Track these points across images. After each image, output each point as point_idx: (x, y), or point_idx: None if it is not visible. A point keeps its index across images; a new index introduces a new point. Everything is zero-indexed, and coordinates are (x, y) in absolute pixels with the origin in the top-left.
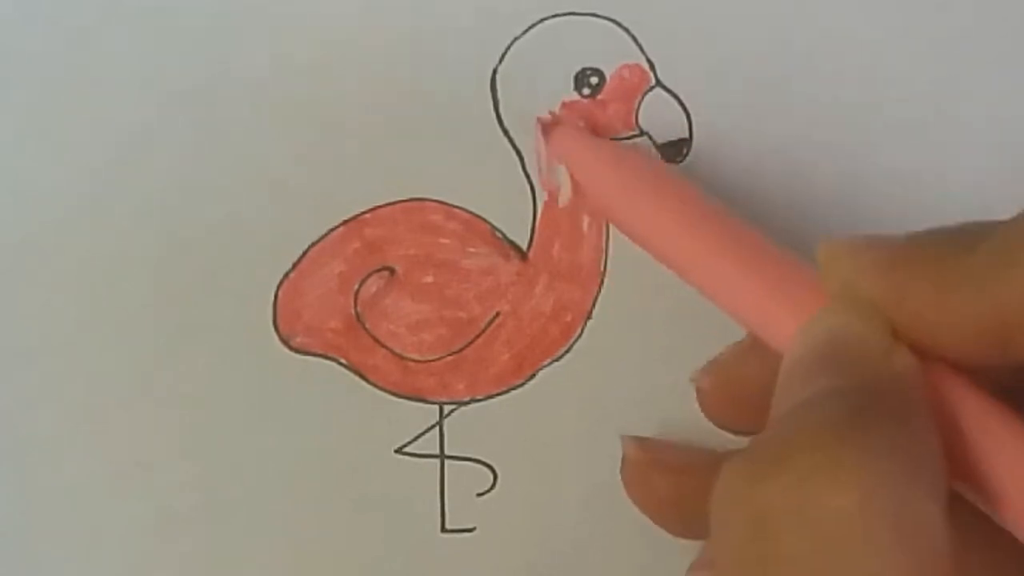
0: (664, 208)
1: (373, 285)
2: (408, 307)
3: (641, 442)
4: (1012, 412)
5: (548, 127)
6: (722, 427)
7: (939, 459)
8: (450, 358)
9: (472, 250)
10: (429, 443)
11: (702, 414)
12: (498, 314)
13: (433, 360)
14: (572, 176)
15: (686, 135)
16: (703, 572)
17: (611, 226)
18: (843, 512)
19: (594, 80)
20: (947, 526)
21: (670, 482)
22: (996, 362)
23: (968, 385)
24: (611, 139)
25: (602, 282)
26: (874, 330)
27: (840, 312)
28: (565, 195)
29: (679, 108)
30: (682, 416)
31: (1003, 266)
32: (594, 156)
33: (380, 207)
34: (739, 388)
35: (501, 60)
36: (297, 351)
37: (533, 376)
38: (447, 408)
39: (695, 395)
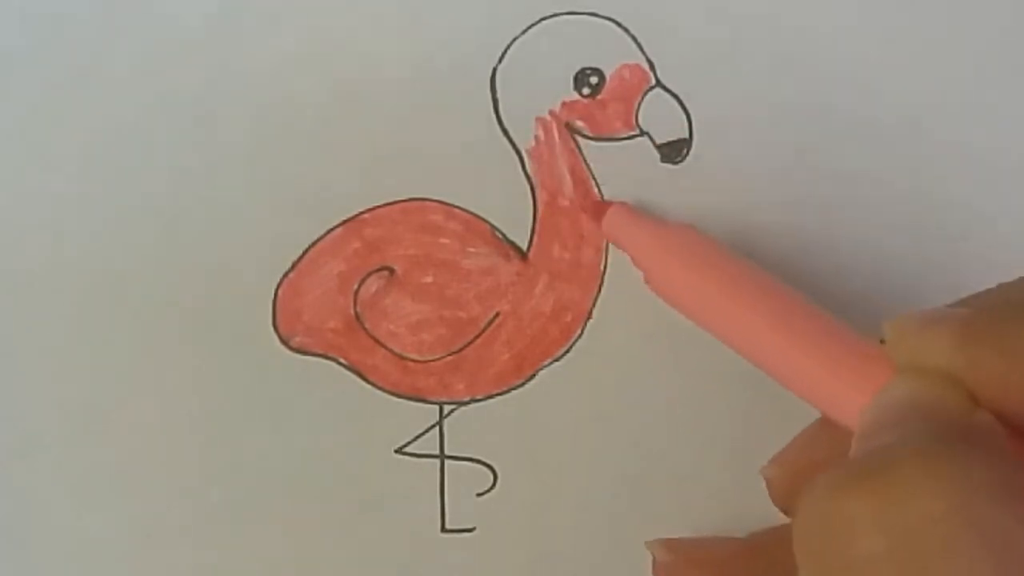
0: (730, 291)
1: (373, 285)
2: (408, 307)
3: (667, 543)
4: None
5: (599, 209)
6: (791, 516)
7: None
8: (450, 358)
9: (472, 250)
10: (429, 443)
11: (704, 425)
12: (498, 314)
13: (433, 360)
14: (632, 259)
15: (686, 135)
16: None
17: None
18: (931, 517)
19: (594, 80)
20: None
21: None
22: None
23: None
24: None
25: (602, 282)
26: (952, 393)
27: (915, 378)
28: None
29: (679, 108)
30: (682, 416)
31: None
32: (651, 240)
33: (380, 207)
34: (808, 475)
35: (501, 59)
36: (297, 351)
37: (533, 376)
38: (447, 408)
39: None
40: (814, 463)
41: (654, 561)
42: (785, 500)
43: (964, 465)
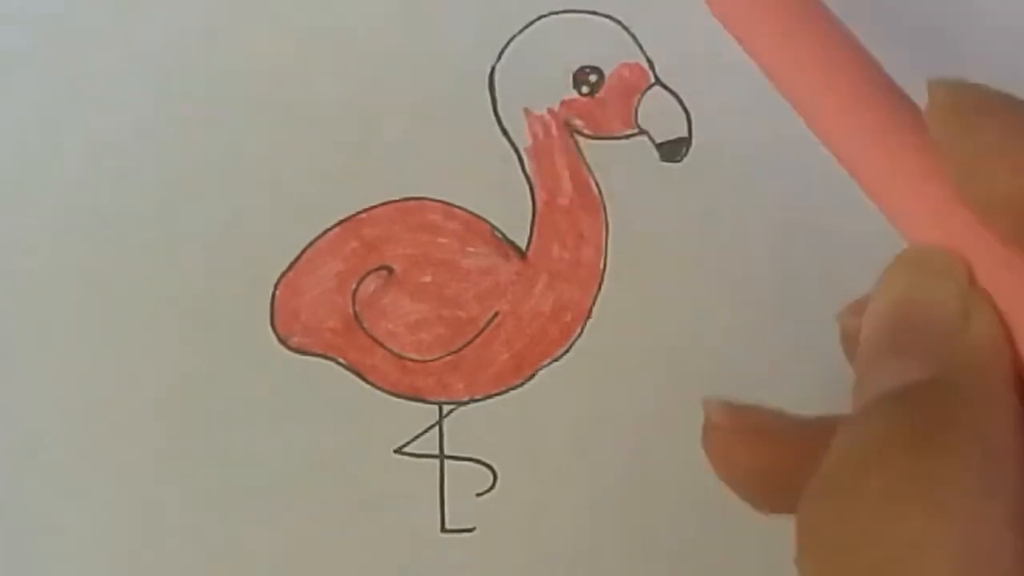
0: (803, 51)
1: (371, 284)
2: (407, 307)
3: (725, 407)
4: None
5: None
6: None
7: (1015, 462)
8: (449, 358)
9: (471, 250)
10: (428, 443)
11: (695, 431)
12: (497, 314)
13: (432, 360)
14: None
15: (685, 134)
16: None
17: (611, 226)
18: (908, 540)
19: (593, 78)
20: (1021, 550)
21: (758, 454)
22: None
23: None
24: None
25: (602, 282)
26: (948, 287)
27: (910, 269)
28: None
29: (679, 107)
30: (682, 416)
31: None
32: None
33: (378, 206)
34: None
35: (499, 58)
36: (295, 351)
37: (532, 376)
38: (446, 408)
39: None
40: None
41: (705, 423)
42: (854, 352)
43: (932, 481)
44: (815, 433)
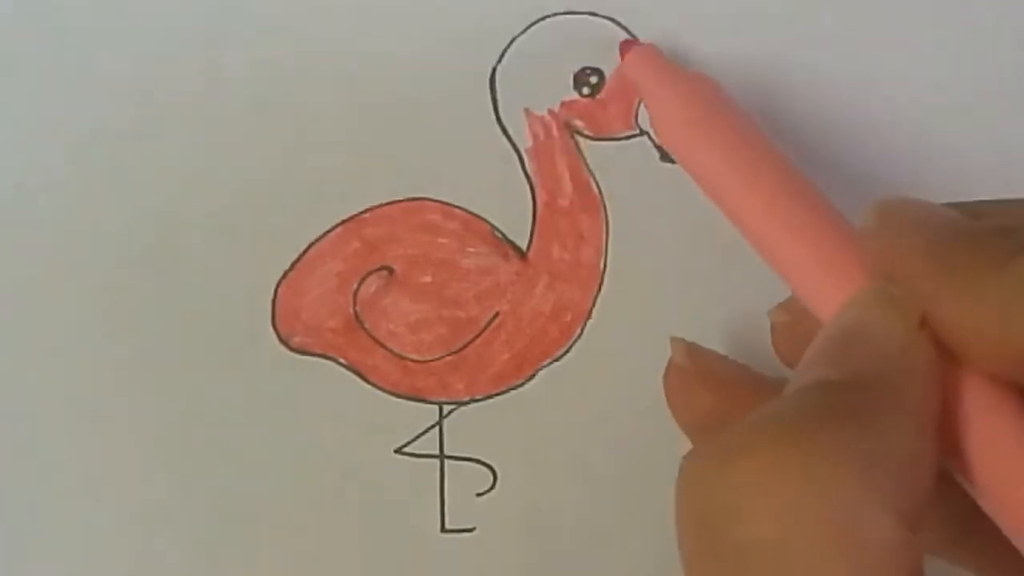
0: (727, 155)
1: (372, 285)
2: (407, 307)
3: (690, 348)
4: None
5: (626, 45)
6: (789, 365)
7: (920, 469)
8: (449, 358)
9: (471, 250)
10: (429, 443)
11: None
12: (497, 314)
13: (432, 360)
14: (644, 103)
15: None
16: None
17: (611, 226)
18: (784, 512)
19: (594, 79)
20: (903, 542)
21: (710, 395)
22: (1007, 377)
23: (984, 383)
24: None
25: (602, 282)
26: (897, 322)
27: (873, 297)
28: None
29: None
30: None
31: None
32: (665, 86)
33: (379, 207)
34: (810, 331)
35: (500, 59)
36: (296, 351)
37: (533, 376)
38: (447, 408)
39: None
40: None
41: (669, 362)
42: (786, 348)
43: (825, 452)
44: (772, 390)
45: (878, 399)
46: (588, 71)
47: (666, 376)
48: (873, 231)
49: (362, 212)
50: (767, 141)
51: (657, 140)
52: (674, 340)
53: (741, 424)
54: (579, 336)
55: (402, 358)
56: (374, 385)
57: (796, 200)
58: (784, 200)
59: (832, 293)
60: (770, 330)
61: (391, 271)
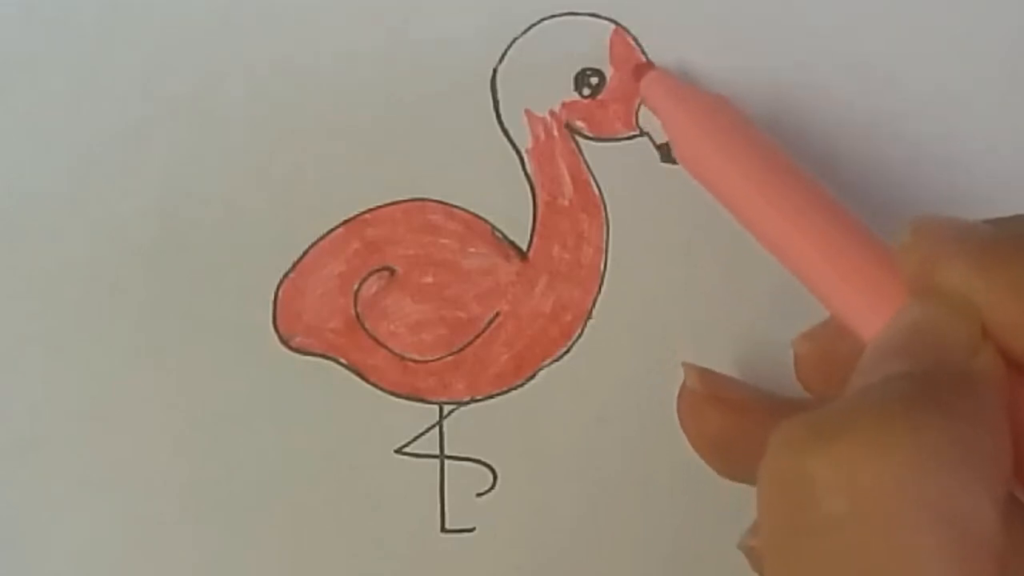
0: (752, 177)
1: (373, 285)
2: (408, 307)
3: (702, 373)
4: None
5: (641, 69)
6: (814, 395)
7: (1003, 458)
8: (450, 358)
9: (472, 250)
10: (429, 443)
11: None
12: (498, 314)
13: (433, 360)
14: (663, 126)
15: None
16: (753, 540)
17: (611, 226)
18: (884, 488)
19: (594, 80)
20: (998, 522)
21: (723, 418)
22: None
23: None
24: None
25: (602, 282)
26: (963, 325)
27: (932, 303)
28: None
29: None
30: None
31: None
32: (685, 108)
33: (380, 207)
34: (835, 359)
35: (501, 60)
36: (297, 351)
37: (533, 376)
38: (447, 408)
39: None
40: (843, 349)
41: (682, 386)
42: (809, 377)
43: (920, 431)
44: (785, 410)
45: (958, 390)
46: (588, 72)
47: (679, 400)
48: (911, 245)
49: (363, 213)
50: (790, 159)
51: (683, 167)
52: (686, 365)
53: (830, 407)
54: (579, 336)
55: (403, 358)
56: (374, 385)
57: (828, 219)
58: (816, 220)
59: (873, 311)
60: (794, 361)
61: (392, 272)
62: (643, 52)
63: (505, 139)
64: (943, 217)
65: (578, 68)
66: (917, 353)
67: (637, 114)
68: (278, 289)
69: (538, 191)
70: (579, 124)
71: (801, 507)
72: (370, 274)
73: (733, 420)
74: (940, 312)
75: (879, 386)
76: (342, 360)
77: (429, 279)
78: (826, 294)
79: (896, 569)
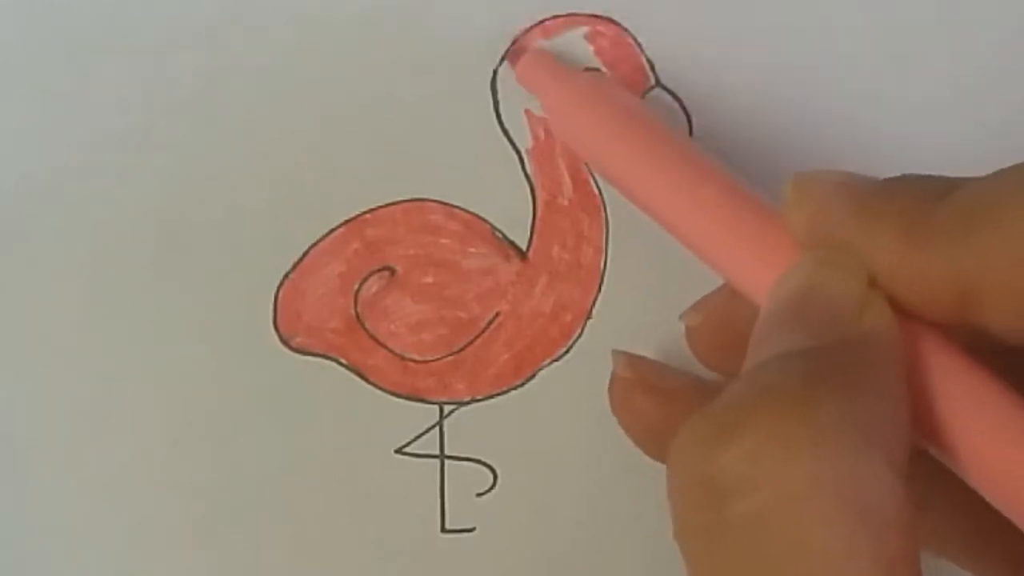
0: (637, 148)
1: (373, 285)
2: (408, 307)
3: (631, 359)
4: (984, 371)
5: (515, 54)
6: (710, 368)
7: (902, 423)
8: (450, 358)
9: (472, 250)
10: (429, 443)
11: None
12: (498, 314)
13: (433, 360)
14: (542, 107)
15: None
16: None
17: (611, 226)
18: (788, 484)
19: None
20: (905, 498)
21: (654, 404)
22: (955, 323)
23: (942, 342)
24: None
25: (602, 282)
26: (849, 283)
27: (817, 262)
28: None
29: (679, 108)
30: None
31: (965, 228)
32: (564, 88)
33: (380, 207)
34: (728, 330)
35: (501, 60)
36: (297, 351)
37: (533, 376)
38: (447, 408)
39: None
40: (734, 318)
41: (613, 372)
42: (705, 351)
43: (821, 419)
44: (712, 394)
45: (852, 361)
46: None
47: (610, 388)
48: (796, 201)
49: (363, 213)
50: (674, 131)
51: (558, 136)
52: (615, 352)
53: (729, 397)
54: (579, 336)
55: (403, 358)
56: (375, 385)
57: (715, 186)
58: (703, 187)
59: (763, 270)
60: (685, 335)
61: (392, 272)
62: (643, 52)
63: (505, 139)
64: (824, 171)
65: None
66: (806, 320)
67: None
68: (278, 289)
69: (538, 191)
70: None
71: (708, 508)
72: (370, 274)
73: (663, 406)
74: (826, 270)
75: (774, 367)
76: (342, 360)
77: (429, 279)
78: (717, 258)
79: (809, 564)
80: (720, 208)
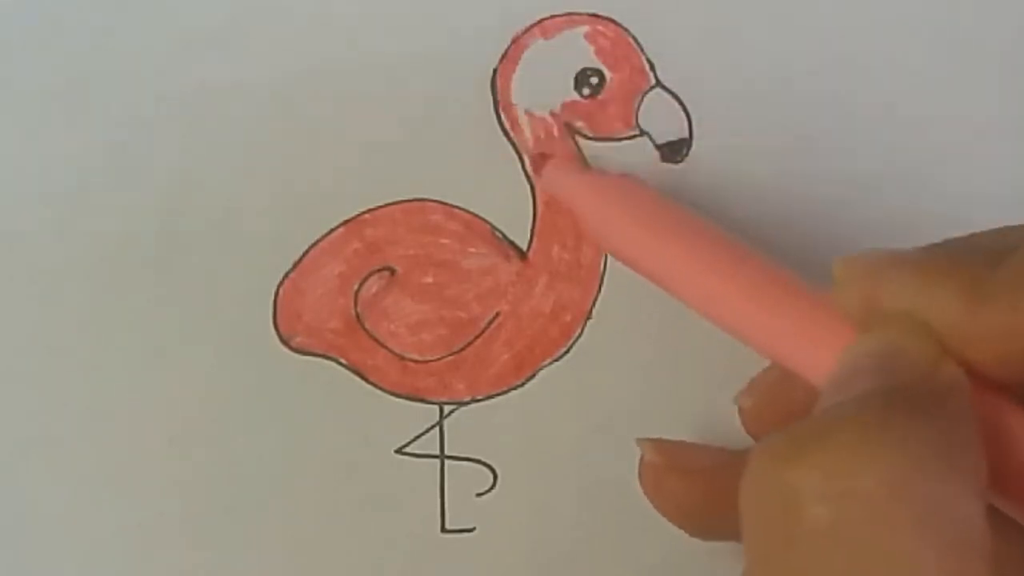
0: (674, 244)
1: (373, 285)
2: (408, 307)
3: (658, 444)
4: None
5: (538, 161)
6: None
7: (981, 465)
8: (450, 358)
9: (472, 250)
10: (429, 443)
11: (704, 425)
12: (498, 314)
13: (433, 360)
14: (573, 213)
15: (686, 135)
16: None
17: None
18: (871, 495)
19: (594, 80)
20: (984, 522)
21: (687, 485)
22: (1021, 381)
23: (1011, 402)
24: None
25: (602, 282)
26: (921, 343)
27: (886, 328)
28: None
29: (679, 108)
30: (683, 415)
31: None
32: (592, 192)
33: (380, 207)
34: (782, 408)
35: (501, 60)
36: (297, 351)
37: (533, 376)
38: (447, 408)
39: (700, 402)
40: (789, 396)
41: (640, 460)
42: (758, 430)
43: (902, 436)
44: (744, 464)
45: (932, 399)
46: (589, 72)
47: (640, 475)
48: (846, 278)
49: (363, 213)
50: (706, 222)
51: (601, 249)
52: (640, 440)
53: (808, 420)
54: (579, 336)
55: (403, 358)
56: (375, 385)
57: (757, 272)
58: (746, 274)
59: (818, 352)
60: (740, 417)
61: (392, 272)
62: (643, 52)
63: (505, 139)
64: (869, 250)
65: (578, 68)
66: (883, 373)
67: (637, 114)
68: (278, 289)
69: (538, 191)
70: (579, 124)
71: (785, 518)
72: (370, 274)
73: (697, 486)
74: (895, 335)
75: (853, 400)
76: (342, 360)
77: (429, 279)
78: (767, 343)
79: (886, 574)
80: (766, 293)
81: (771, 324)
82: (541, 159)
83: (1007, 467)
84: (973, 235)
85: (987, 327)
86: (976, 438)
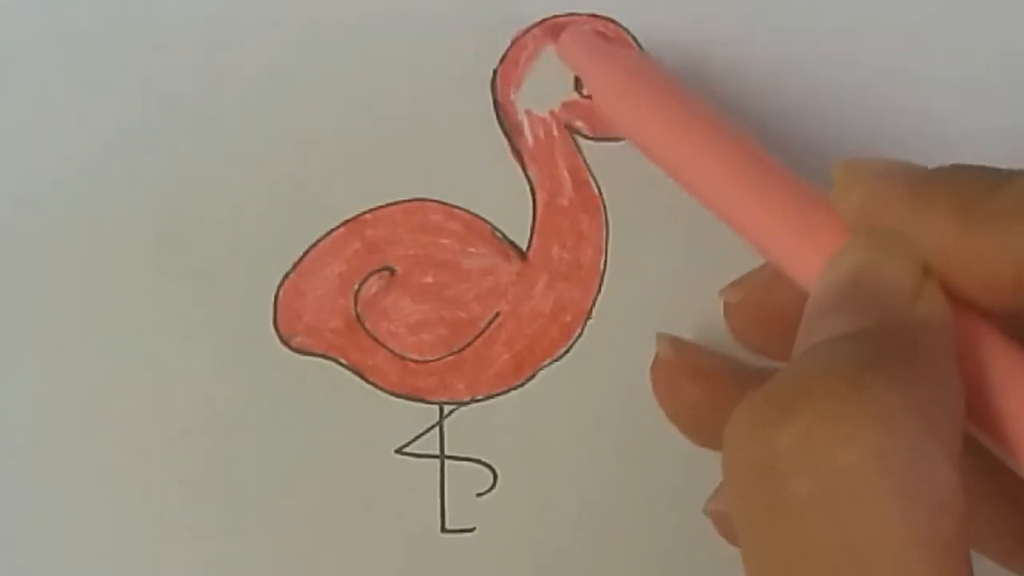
0: (682, 129)
1: (373, 285)
2: (408, 307)
3: (675, 343)
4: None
5: (555, 27)
6: (747, 346)
7: (956, 411)
8: (450, 358)
9: (472, 250)
10: (429, 443)
11: None
12: (498, 314)
13: (433, 360)
14: (585, 84)
15: None
16: (718, 504)
17: (611, 226)
18: (850, 468)
19: None
20: (959, 484)
21: (698, 388)
22: (1007, 308)
23: (995, 332)
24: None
25: (602, 282)
26: (903, 268)
27: (870, 246)
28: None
29: None
30: None
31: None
32: (607, 65)
33: (381, 207)
34: (768, 309)
35: (501, 60)
36: (297, 351)
37: (533, 376)
38: (447, 408)
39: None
40: (776, 298)
41: (655, 356)
42: (742, 329)
43: (880, 404)
44: (757, 379)
45: (907, 345)
46: None
47: (653, 370)
48: (846, 184)
49: (364, 213)
50: (717, 112)
51: (608, 120)
52: (660, 335)
53: (783, 379)
54: (579, 336)
55: (403, 358)
56: (374, 385)
57: (758, 167)
58: (747, 167)
59: (810, 253)
60: (723, 311)
61: (392, 272)
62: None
63: (505, 139)
64: (873, 158)
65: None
66: (860, 304)
67: None
68: (278, 289)
69: (538, 191)
70: (579, 124)
71: (766, 487)
72: (370, 274)
73: (707, 389)
74: (880, 254)
75: (827, 350)
76: (342, 360)
77: (429, 279)
78: (761, 238)
79: (865, 545)
80: (766, 189)
81: (768, 220)
82: (557, 27)
83: (984, 398)
84: (979, 166)
85: (977, 250)
86: (951, 378)
